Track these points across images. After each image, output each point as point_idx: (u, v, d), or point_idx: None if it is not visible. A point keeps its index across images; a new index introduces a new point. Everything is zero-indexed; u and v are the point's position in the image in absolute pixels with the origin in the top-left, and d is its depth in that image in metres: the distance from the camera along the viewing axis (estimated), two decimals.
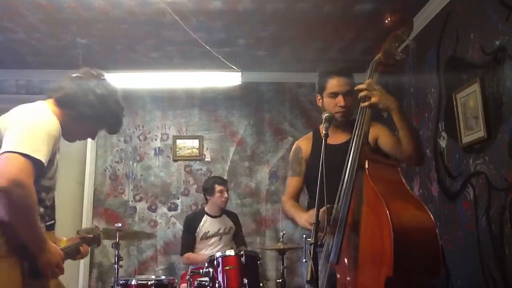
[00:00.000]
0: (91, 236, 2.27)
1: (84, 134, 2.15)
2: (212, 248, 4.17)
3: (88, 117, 2.03)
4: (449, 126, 3.45)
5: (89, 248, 2.23)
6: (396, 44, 2.04)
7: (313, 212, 1.90)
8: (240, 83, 4.43)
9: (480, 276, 3.00)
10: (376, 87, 2.05)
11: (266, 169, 5.12)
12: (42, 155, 1.74)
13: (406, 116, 2.22)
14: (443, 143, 3.55)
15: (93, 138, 2.21)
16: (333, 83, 2.40)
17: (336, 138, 2.37)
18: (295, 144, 2.65)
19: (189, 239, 4.25)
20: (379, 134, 2.35)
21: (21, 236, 1.74)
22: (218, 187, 4.22)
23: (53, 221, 2.01)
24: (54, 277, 1.86)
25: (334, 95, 2.38)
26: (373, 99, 2.03)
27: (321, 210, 1.91)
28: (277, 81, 5.26)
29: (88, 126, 2.10)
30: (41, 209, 1.87)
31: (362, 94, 2.06)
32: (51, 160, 1.85)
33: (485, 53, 2.99)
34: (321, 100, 2.48)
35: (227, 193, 4.30)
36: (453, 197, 3.39)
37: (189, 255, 4.21)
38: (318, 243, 1.85)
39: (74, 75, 2.07)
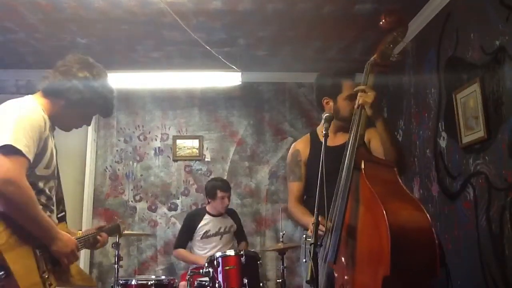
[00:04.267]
0: (108, 226, 2.32)
1: (78, 121, 2.10)
2: (213, 247, 4.17)
3: (76, 103, 1.99)
4: (449, 126, 3.45)
5: (108, 237, 2.27)
6: (391, 45, 2.07)
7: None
8: (240, 83, 4.43)
9: (480, 276, 2.99)
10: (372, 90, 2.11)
11: (266, 169, 5.12)
12: (23, 147, 1.72)
13: (390, 128, 2.27)
14: (443, 143, 3.55)
15: (88, 124, 2.16)
16: (350, 86, 2.37)
17: (335, 140, 2.38)
18: (292, 147, 2.65)
19: (185, 236, 4.30)
20: (371, 138, 2.36)
21: (27, 229, 1.75)
22: (220, 193, 4.21)
23: (63, 213, 2.05)
24: (69, 264, 1.90)
25: (352, 97, 2.27)
26: (370, 99, 2.08)
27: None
28: (277, 81, 5.26)
29: (79, 112, 2.06)
30: (43, 199, 1.88)
31: (361, 93, 2.10)
32: (43, 149, 1.85)
33: (485, 53, 2.99)
34: (330, 103, 2.44)
35: (228, 199, 4.29)
36: (453, 197, 3.39)
37: (180, 251, 4.26)
38: (318, 243, 1.86)
39: (58, 63, 2.04)
